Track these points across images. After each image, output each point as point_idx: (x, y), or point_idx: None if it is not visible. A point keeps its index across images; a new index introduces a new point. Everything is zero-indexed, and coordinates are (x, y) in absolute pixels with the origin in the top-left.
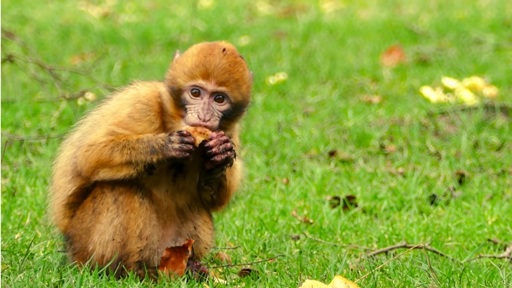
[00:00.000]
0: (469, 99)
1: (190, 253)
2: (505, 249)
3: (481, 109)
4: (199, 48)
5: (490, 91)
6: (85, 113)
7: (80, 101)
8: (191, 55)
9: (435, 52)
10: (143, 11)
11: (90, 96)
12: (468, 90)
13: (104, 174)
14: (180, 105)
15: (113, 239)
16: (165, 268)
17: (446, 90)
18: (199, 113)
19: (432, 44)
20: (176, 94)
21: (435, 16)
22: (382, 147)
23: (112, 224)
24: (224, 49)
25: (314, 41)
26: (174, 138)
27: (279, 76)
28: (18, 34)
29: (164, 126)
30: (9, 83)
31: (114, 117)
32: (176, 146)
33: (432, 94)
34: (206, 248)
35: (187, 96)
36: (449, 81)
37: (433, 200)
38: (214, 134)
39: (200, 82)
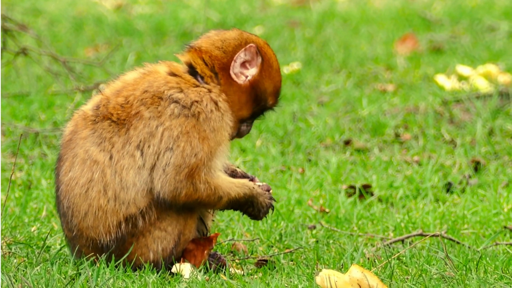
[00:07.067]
0: (483, 86)
1: (213, 246)
2: None
3: (495, 96)
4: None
5: (504, 78)
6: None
7: (94, 93)
8: None
9: (449, 39)
10: (156, 2)
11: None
12: (482, 77)
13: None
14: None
15: (169, 245)
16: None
17: (461, 78)
18: None
19: (446, 32)
20: None
21: (448, 4)
22: (397, 135)
23: (174, 232)
24: None
25: (328, 30)
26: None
27: (293, 66)
28: (32, 27)
29: None
30: (23, 75)
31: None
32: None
33: (446, 82)
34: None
35: None
36: (463, 69)
37: (448, 188)
38: None
39: None
